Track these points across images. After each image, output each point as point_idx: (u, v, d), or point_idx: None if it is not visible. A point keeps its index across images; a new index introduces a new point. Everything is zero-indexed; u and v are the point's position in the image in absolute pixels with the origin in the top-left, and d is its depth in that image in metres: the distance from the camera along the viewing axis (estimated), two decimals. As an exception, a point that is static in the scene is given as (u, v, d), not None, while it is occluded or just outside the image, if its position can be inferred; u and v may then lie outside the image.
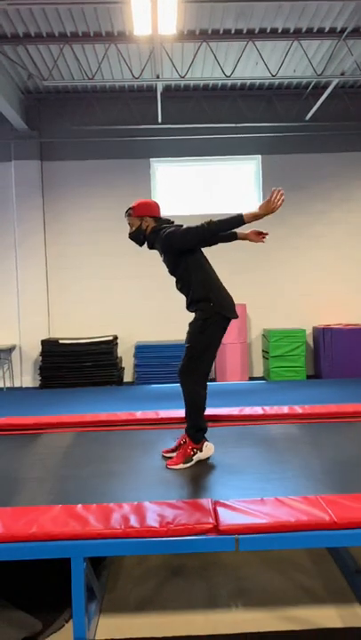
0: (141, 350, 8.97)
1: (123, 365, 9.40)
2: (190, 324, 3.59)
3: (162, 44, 7.31)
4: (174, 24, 6.37)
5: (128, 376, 9.50)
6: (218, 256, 10.32)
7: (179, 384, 3.58)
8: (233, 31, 7.38)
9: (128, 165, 9.51)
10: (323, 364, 9.04)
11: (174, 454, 3.50)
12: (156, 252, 3.83)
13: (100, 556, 2.84)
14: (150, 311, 9.54)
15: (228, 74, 8.09)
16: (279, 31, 7.40)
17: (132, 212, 3.71)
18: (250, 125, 9.20)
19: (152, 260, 9.67)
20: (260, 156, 9.54)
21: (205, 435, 3.56)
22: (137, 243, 3.80)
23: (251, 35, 7.42)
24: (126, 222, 3.81)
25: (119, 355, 9.30)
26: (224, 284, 3.73)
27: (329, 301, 9.55)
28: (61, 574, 2.62)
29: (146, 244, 3.75)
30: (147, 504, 2.64)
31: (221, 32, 7.39)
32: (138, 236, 3.73)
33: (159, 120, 9.06)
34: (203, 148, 9.48)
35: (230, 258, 9.54)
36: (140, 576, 3.08)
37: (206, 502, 2.63)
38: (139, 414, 4.58)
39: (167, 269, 3.74)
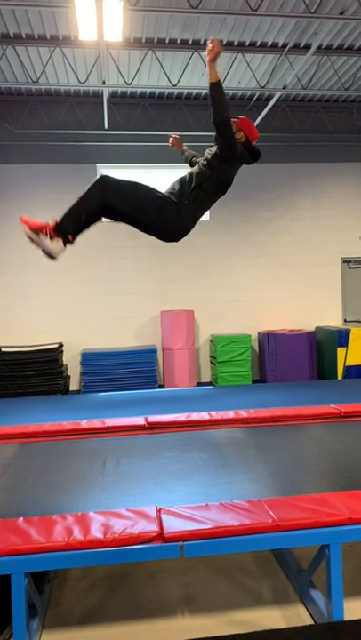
0: (88, 358, 8.85)
1: (68, 374, 9.23)
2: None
3: (108, 50, 7.30)
4: (120, 31, 6.37)
5: (74, 384, 9.33)
6: (165, 263, 10.40)
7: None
8: (179, 41, 7.46)
9: (74, 170, 9.39)
10: (267, 368, 9.24)
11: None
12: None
13: (42, 571, 2.76)
14: (97, 318, 9.44)
15: (175, 83, 8.17)
16: (224, 43, 7.53)
17: (236, 121, 3.41)
18: (196, 134, 9.32)
19: (99, 266, 9.64)
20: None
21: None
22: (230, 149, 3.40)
23: (196, 45, 7.54)
24: None
25: (65, 363, 9.12)
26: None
27: (273, 307, 9.80)
28: (1, 590, 2.53)
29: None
30: (91, 514, 2.60)
31: (167, 41, 7.47)
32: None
33: (105, 126, 9.02)
34: (149, 156, 9.52)
35: (178, 265, 9.63)
36: (86, 588, 3.02)
37: (151, 510, 2.62)
38: (84, 423, 4.50)
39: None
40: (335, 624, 2.46)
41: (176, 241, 3.49)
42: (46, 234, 3.25)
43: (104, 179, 3.24)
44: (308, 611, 2.72)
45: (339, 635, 2.40)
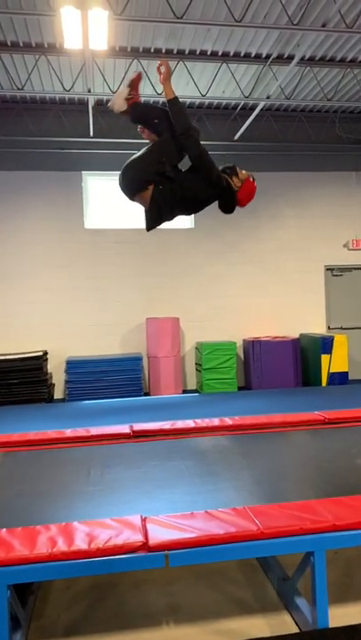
0: (73, 366, 8.79)
1: (53, 382, 9.16)
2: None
3: (93, 58, 7.32)
4: (105, 40, 6.40)
5: (59, 393, 9.26)
6: (150, 270, 10.40)
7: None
8: (164, 50, 7.52)
9: (59, 178, 9.38)
10: (253, 375, 9.28)
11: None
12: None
13: (26, 582, 2.72)
14: (82, 325, 9.39)
15: (159, 91, 8.22)
16: (208, 53, 7.65)
17: (246, 180, 3.55)
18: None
19: (84, 273, 9.61)
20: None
21: None
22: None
23: (181, 55, 7.60)
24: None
25: (49, 371, 9.05)
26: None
27: (258, 314, 9.86)
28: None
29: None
30: (75, 524, 2.57)
31: (152, 50, 7.52)
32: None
33: (91, 134, 9.03)
34: (135, 163, 9.53)
35: (163, 272, 9.64)
36: (70, 599, 2.98)
37: (136, 519, 2.60)
38: (69, 432, 4.46)
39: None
40: (320, 631, 2.47)
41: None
42: (129, 95, 3.44)
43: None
44: (293, 618, 2.72)
45: (324, 642, 2.41)
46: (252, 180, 3.58)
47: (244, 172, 3.56)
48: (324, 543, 2.52)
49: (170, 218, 3.54)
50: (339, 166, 10.18)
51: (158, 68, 3.32)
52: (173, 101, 3.29)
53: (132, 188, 3.45)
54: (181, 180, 3.40)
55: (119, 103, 3.53)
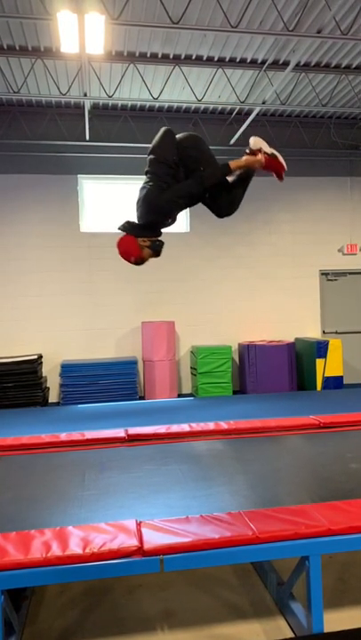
0: (67, 369, 8.77)
1: (48, 385, 9.13)
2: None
3: (89, 62, 7.34)
4: (102, 44, 6.42)
5: (53, 396, 9.22)
6: (146, 274, 10.41)
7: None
8: (160, 55, 7.55)
9: (55, 181, 9.38)
10: (248, 379, 9.28)
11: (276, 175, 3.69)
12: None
13: (20, 588, 2.71)
14: (77, 329, 9.38)
15: (156, 96, 8.25)
16: (204, 58, 7.67)
17: (140, 256, 3.46)
18: (177, 147, 9.41)
19: (79, 277, 9.60)
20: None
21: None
22: (162, 246, 3.55)
23: (177, 60, 7.63)
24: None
25: (44, 374, 9.02)
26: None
27: (253, 319, 9.87)
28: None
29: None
30: (69, 529, 2.56)
31: (149, 55, 7.55)
32: (160, 246, 3.50)
33: (87, 137, 9.04)
34: (131, 167, 9.55)
35: (159, 276, 9.64)
36: (64, 605, 2.96)
37: (131, 523, 2.59)
38: (63, 436, 4.45)
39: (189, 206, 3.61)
40: (315, 636, 2.46)
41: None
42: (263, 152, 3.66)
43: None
44: (288, 623, 2.72)
45: (319, 647, 2.40)
46: (137, 260, 3.50)
47: (141, 262, 3.51)
48: (320, 548, 2.52)
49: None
50: (333, 171, 10.24)
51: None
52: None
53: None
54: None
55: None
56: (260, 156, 3.66)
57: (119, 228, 3.48)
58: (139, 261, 3.49)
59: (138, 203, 3.45)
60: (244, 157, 3.66)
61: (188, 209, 3.67)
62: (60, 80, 7.97)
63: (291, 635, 2.64)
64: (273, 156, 3.70)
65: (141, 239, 3.41)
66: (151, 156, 3.54)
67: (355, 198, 10.33)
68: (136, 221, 3.46)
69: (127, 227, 3.46)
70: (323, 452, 4.07)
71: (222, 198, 3.60)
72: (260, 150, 3.67)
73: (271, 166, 3.74)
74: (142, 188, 3.47)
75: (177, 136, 3.54)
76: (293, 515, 2.67)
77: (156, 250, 3.48)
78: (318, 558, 2.51)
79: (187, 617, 2.81)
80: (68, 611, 2.90)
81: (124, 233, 3.44)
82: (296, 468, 3.75)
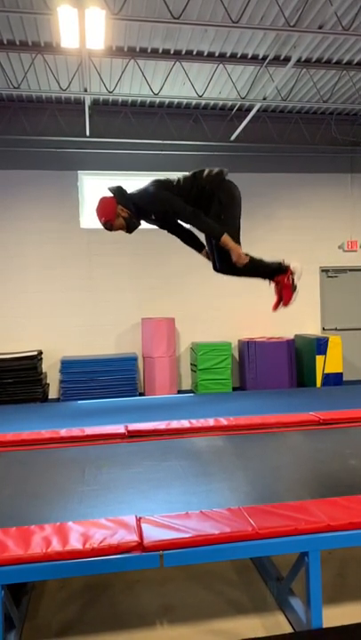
0: (67, 365, 8.77)
1: (48, 381, 9.13)
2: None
3: (90, 57, 7.31)
4: (102, 39, 6.39)
5: (53, 392, 9.23)
6: (146, 271, 10.38)
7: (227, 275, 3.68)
8: (160, 51, 7.52)
9: (55, 177, 9.36)
10: (247, 376, 9.28)
11: (282, 301, 3.61)
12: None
13: (20, 583, 2.72)
14: (77, 325, 9.37)
15: (156, 91, 8.22)
16: (205, 54, 7.65)
17: (112, 222, 3.50)
18: (177, 143, 9.39)
19: (80, 273, 9.59)
20: (187, 173, 9.73)
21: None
22: (132, 230, 3.64)
23: (178, 55, 7.60)
24: (109, 232, 3.68)
25: (44, 370, 9.02)
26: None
27: (253, 315, 9.86)
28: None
29: (144, 222, 3.65)
30: (69, 524, 2.57)
31: (149, 51, 7.51)
32: (134, 225, 3.57)
33: (87, 133, 9.01)
34: (131, 163, 9.54)
35: (159, 273, 9.64)
36: (64, 600, 2.97)
37: (131, 519, 2.60)
38: (63, 432, 4.46)
39: (165, 226, 3.71)
40: (314, 631, 2.47)
41: None
42: (291, 279, 3.67)
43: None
44: (287, 618, 2.73)
45: (318, 642, 2.41)
46: (108, 224, 3.54)
47: (111, 227, 3.55)
48: (319, 543, 2.53)
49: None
50: (334, 168, 10.21)
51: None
52: (221, 234, 3.49)
53: None
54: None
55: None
56: (285, 279, 3.70)
57: (109, 188, 3.51)
58: (107, 225, 3.51)
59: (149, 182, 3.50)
60: (261, 258, 3.72)
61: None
62: (60, 75, 7.94)
63: (290, 630, 2.65)
64: (294, 287, 3.71)
65: (121, 207, 3.46)
66: (196, 170, 3.67)
67: (355, 195, 10.31)
68: (128, 191, 3.50)
69: (116, 190, 3.52)
70: (322, 448, 4.08)
71: (223, 254, 3.56)
72: (291, 273, 3.70)
73: (282, 291, 3.73)
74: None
75: (227, 177, 3.71)
76: (293, 511, 2.68)
77: (130, 226, 3.54)
78: (318, 554, 2.52)
79: (186, 612, 2.82)
80: (67, 606, 2.91)
81: (111, 195, 3.48)
82: (296, 464, 3.76)
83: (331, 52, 7.67)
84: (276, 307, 3.68)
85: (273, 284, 3.70)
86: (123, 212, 3.49)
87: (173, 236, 3.80)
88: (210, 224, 3.45)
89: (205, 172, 3.63)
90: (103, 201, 3.49)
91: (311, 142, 9.99)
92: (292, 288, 3.55)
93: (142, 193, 3.50)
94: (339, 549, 3.14)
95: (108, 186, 3.53)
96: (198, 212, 3.45)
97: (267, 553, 2.67)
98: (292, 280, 3.56)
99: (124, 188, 3.54)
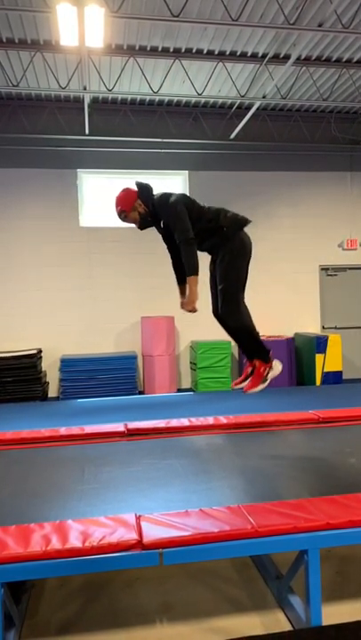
0: (67, 364, 8.77)
1: (47, 380, 9.14)
2: (217, 262, 3.64)
3: (89, 55, 7.30)
4: (101, 37, 6.38)
5: (53, 391, 9.24)
6: (145, 269, 10.38)
7: (222, 325, 3.69)
8: (160, 49, 7.51)
9: (54, 175, 9.35)
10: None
11: (246, 382, 3.52)
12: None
13: (19, 581, 2.72)
14: (77, 324, 9.37)
15: (156, 90, 8.21)
16: (204, 52, 7.64)
17: (127, 209, 3.60)
18: (177, 141, 9.38)
19: (79, 272, 9.58)
20: (187, 171, 9.73)
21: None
22: (143, 227, 3.73)
23: (177, 54, 7.59)
24: (123, 222, 3.73)
25: (43, 369, 9.03)
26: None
27: (253, 314, 9.83)
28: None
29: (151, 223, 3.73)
30: (69, 522, 2.57)
31: (149, 49, 7.51)
32: (147, 223, 3.65)
33: (86, 131, 9.00)
34: (130, 162, 9.53)
35: (159, 271, 9.63)
36: (63, 598, 2.97)
37: (130, 517, 2.60)
38: (63, 430, 4.46)
39: (167, 241, 3.74)
40: (313, 629, 2.47)
41: None
42: (266, 371, 3.63)
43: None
44: (286, 616, 2.73)
45: (317, 639, 2.42)
46: (123, 214, 3.67)
47: (125, 217, 3.67)
48: (318, 541, 2.53)
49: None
50: (334, 166, 10.21)
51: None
52: (194, 272, 3.58)
53: None
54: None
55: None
56: (263, 368, 3.67)
57: (136, 182, 3.61)
58: (122, 215, 3.61)
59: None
60: (258, 333, 3.71)
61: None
62: (59, 74, 7.93)
63: (289, 628, 2.65)
64: (264, 380, 3.69)
65: (140, 202, 3.55)
66: (224, 208, 3.77)
67: (355, 193, 10.30)
68: (154, 192, 3.58)
69: (141, 186, 3.62)
70: (321, 446, 4.08)
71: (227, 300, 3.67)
72: (270, 367, 3.70)
73: (253, 375, 3.69)
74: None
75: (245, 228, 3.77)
76: (292, 509, 2.68)
77: (142, 223, 3.61)
78: (317, 552, 2.52)
79: (186, 610, 2.82)
80: (67, 604, 2.91)
81: (136, 189, 3.59)
82: (295, 462, 3.76)
83: (331, 50, 7.66)
84: (237, 384, 3.59)
85: (248, 365, 3.63)
86: (140, 207, 3.58)
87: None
88: (193, 257, 3.48)
89: (230, 214, 3.66)
90: (125, 191, 3.60)
91: (311, 140, 9.98)
92: (263, 380, 3.48)
93: (163, 198, 3.55)
94: (338, 547, 3.14)
95: (137, 180, 3.60)
96: (193, 241, 3.47)
97: (266, 551, 2.67)
98: (267, 373, 3.48)
99: (151, 187, 3.58)
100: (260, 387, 3.47)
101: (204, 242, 3.57)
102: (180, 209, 3.44)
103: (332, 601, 2.80)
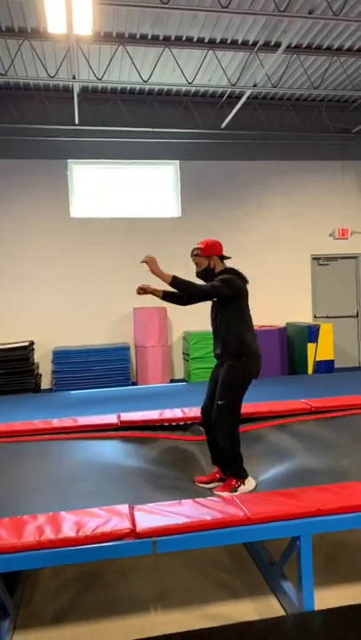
0: (60, 356, 8.75)
1: (40, 372, 9.12)
2: (220, 376, 3.56)
3: (78, 44, 7.21)
4: (90, 25, 6.29)
5: (46, 383, 9.22)
6: (137, 260, 10.31)
7: (208, 426, 3.60)
8: (150, 37, 7.43)
9: (44, 166, 9.26)
10: (240, 365, 9.31)
11: (212, 484, 3.47)
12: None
13: (14, 571, 2.73)
14: (69, 315, 9.34)
15: (146, 78, 8.13)
16: (194, 40, 7.56)
17: (200, 252, 3.69)
18: (167, 131, 9.32)
19: (71, 263, 9.53)
20: (178, 161, 9.67)
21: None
22: (202, 280, 3.74)
23: (167, 42, 7.51)
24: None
25: (36, 361, 9.00)
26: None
27: (246, 304, 9.87)
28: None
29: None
30: (62, 514, 2.58)
31: (138, 37, 7.42)
32: (206, 275, 3.70)
33: (76, 121, 8.91)
34: (121, 151, 9.46)
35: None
36: (58, 587, 2.99)
37: (123, 507, 2.62)
38: (56, 422, 4.46)
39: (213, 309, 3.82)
40: (306, 614, 2.51)
41: None
42: (238, 484, 3.44)
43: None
44: (279, 602, 2.77)
45: (309, 624, 2.45)
46: (197, 251, 3.77)
47: (195, 255, 3.77)
48: (310, 528, 2.56)
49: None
50: (325, 155, 10.19)
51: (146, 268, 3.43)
52: (173, 282, 3.46)
53: None
54: None
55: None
56: (235, 482, 3.48)
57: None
58: (196, 252, 3.72)
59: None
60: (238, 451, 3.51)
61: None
62: (47, 62, 7.83)
63: (282, 613, 2.69)
64: (232, 490, 3.49)
65: (217, 260, 3.71)
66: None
67: (346, 182, 10.30)
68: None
69: (226, 264, 3.76)
70: (314, 435, 4.11)
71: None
72: (243, 484, 3.49)
73: (223, 483, 3.53)
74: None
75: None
76: (284, 497, 2.70)
77: (203, 272, 3.74)
78: (309, 538, 2.55)
79: (180, 598, 2.85)
80: (62, 593, 2.93)
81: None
82: (287, 451, 3.79)
83: (321, 38, 7.61)
84: (200, 481, 3.52)
85: (217, 472, 3.57)
86: (212, 262, 3.70)
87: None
88: (191, 286, 3.49)
89: (256, 354, 3.63)
90: (218, 242, 3.78)
91: (302, 129, 9.94)
92: (232, 490, 3.42)
93: (229, 274, 3.61)
94: (330, 534, 3.18)
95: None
96: (208, 293, 3.55)
97: (259, 538, 2.70)
98: (237, 487, 3.43)
99: (236, 272, 3.68)
100: (229, 494, 3.47)
101: (219, 347, 3.63)
102: (231, 284, 3.51)
103: (323, 585, 2.84)
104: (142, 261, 3.42)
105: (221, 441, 3.45)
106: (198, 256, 3.70)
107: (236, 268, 3.67)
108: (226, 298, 3.53)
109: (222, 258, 3.74)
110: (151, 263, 3.46)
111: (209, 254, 3.67)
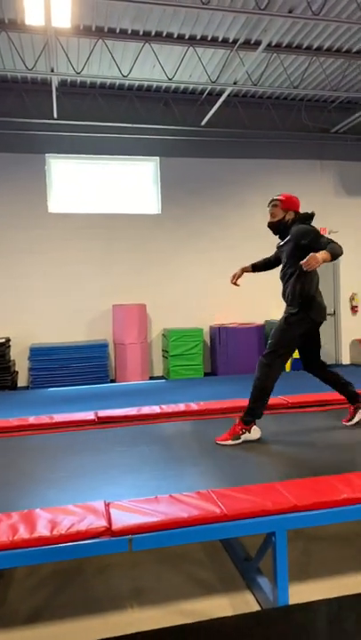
0: (37, 353, 8.65)
1: (16, 369, 9.01)
2: (281, 319, 3.90)
3: (56, 36, 7.12)
4: (69, 17, 6.22)
5: (22, 380, 9.11)
6: (117, 256, 10.27)
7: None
8: (130, 32, 7.37)
9: (21, 160, 9.13)
10: (218, 361, 9.35)
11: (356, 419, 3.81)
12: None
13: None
14: (47, 312, 9.24)
15: (125, 74, 8.07)
16: (175, 36, 7.54)
17: (280, 204, 3.76)
18: (147, 127, 9.27)
19: (49, 258, 9.42)
20: (158, 158, 9.64)
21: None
22: (273, 231, 3.90)
23: (147, 37, 7.47)
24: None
25: (12, 358, 8.89)
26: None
27: (224, 301, 9.91)
28: None
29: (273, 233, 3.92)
30: (37, 511, 2.55)
31: (118, 31, 7.36)
32: (278, 227, 3.79)
33: (55, 115, 8.81)
34: (100, 147, 9.39)
35: (130, 258, 9.57)
36: (33, 586, 2.96)
37: (99, 504, 2.60)
38: (32, 419, 4.41)
39: (282, 259, 3.93)
40: (281, 608, 2.53)
41: None
42: (243, 431, 3.69)
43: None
44: (255, 597, 2.78)
45: (284, 618, 2.47)
46: (277, 202, 4.00)
47: (273, 206, 4.00)
48: (285, 524, 2.58)
49: None
50: (304, 154, 10.27)
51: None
52: (333, 257, 3.46)
53: None
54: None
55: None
56: (240, 428, 3.78)
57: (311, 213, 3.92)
58: (274, 202, 3.85)
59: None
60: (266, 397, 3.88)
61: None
62: (25, 54, 7.71)
63: (257, 608, 2.70)
64: (236, 437, 3.81)
65: (292, 214, 3.83)
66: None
67: (324, 181, 10.41)
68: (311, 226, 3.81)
69: (307, 216, 3.92)
70: (290, 431, 4.15)
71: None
72: (248, 430, 3.82)
73: (230, 429, 3.82)
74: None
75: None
76: (261, 493, 2.72)
77: (277, 225, 3.87)
78: (284, 534, 2.57)
79: (156, 594, 2.85)
80: (37, 592, 2.90)
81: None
82: (264, 446, 3.81)
83: (301, 38, 7.66)
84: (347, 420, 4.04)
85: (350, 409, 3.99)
86: (288, 216, 3.83)
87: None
88: (338, 249, 3.53)
89: (322, 308, 4.03)
90: (296, 198, 3.88)
91: (282, 128, 10.01)
92: (234, 437, 3.65)
93: (306, 229, 3.75)
94: (305, 529, 3.21)
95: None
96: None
97: (234, 534, 2.70)
98: (242, 433, 3.68)
99: (311, 226, 3.79)
100: (230, 442, 3.53)
101: (290, 292, 3.93)
102: (318, 235, 3.69)
103: (298, 580, 2.87)
104: (305, 268, 3.37)
105: (258, 371, 3.76)
106: (277, 207, 3.77)
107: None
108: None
109: (297, 214, 3.77)
110: (313, 261, 3.34)
111: (287, 208, 3.77)
